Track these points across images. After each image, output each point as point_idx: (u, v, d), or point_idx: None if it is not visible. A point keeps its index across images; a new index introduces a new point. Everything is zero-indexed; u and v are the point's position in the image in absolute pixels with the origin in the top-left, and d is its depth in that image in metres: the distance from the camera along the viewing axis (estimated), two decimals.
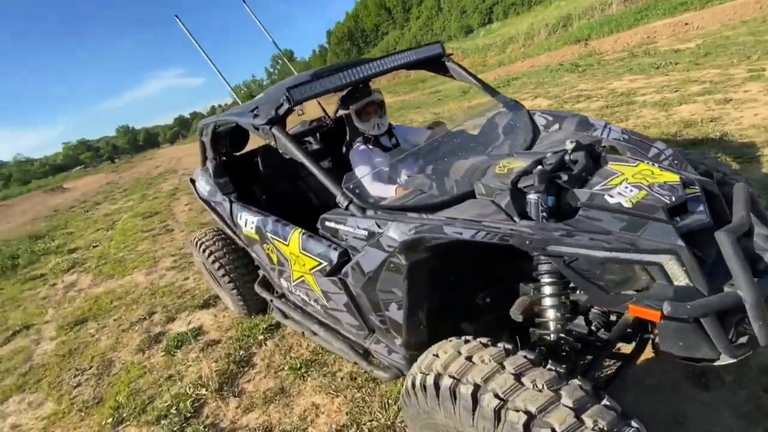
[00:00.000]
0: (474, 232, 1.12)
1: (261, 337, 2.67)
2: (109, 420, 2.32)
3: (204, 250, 2.72)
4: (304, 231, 1.69)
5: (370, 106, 2.42)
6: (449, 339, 1.26)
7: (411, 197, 1.54)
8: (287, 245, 1.76)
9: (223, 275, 2.67)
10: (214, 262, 2.66)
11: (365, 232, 1.33)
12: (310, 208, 2.56)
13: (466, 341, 1.22)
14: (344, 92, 2.51)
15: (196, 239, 2.83)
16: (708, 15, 11.45)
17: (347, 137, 2.69)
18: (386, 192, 2.34)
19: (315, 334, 1.98)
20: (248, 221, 2.03)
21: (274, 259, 1.98)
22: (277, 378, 2.28)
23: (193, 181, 2.72)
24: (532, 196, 1.27)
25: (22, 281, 5.87)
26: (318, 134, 2.77)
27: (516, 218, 1.20)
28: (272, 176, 2.44)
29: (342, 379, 2.10)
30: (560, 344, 1.26)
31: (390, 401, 1.88)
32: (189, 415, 2.17)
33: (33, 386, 3.04)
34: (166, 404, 2.30)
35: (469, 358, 1.12)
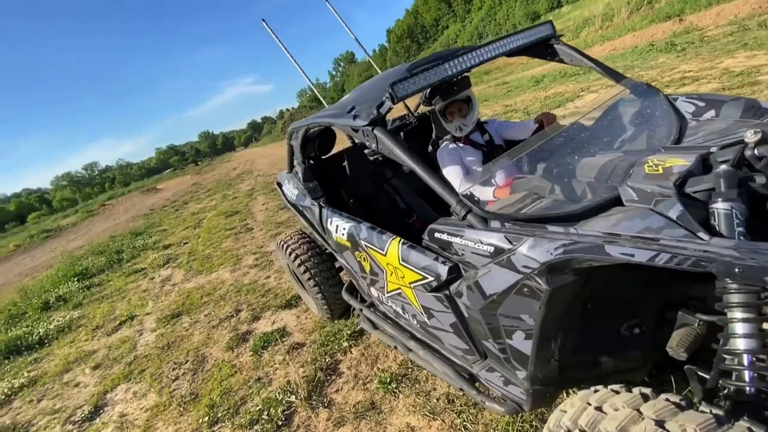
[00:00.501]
0: (652, 254, 0.87)
1: (345, 344, 2.60)
2: (206, 419, 2.40)
3: (290, 253, 2.71)
4: (404, 241, 1.54)
5: (453, 105, 2.21)
6: (575, 391, 1.06)
7: (530, 204, 1.31)
8: (384, 255, 1.62)
9: (309, 279, 2.63)
10: (300, 265, 2.64)
11: (490, 248, 1.14)
12: (395, 212, 2.42)
13: (596, 390, 1.06)
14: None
15: (282, 242, 2.84)
16: None
17: (433, 135, 2.51)
18: (482, 195, 2.12)
19: (410, 350, 1.83)
20: (339, 227, 1.94)
21: (367, 268, 1.86)
22: (366, 391, 2.18)
23: (279, 185, 2.72)
24: (720, 206, 0.98)
25: (126, 274, 6.54)
26: (402, 133, 2.63)
27: (703, 235, 0.93)
28: (358, 179, 2.34)
29: (438, 400, 1.93)
30: (760, 398, 0.96)
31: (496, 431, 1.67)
32: (281, 423, 2.14)
33: (137, 376, 3.29)
34: (258, 408, 2.31)
35: (599, 408, 0.98)
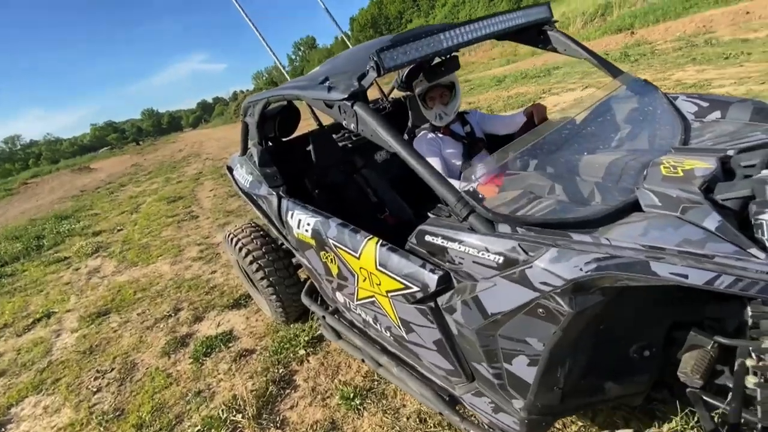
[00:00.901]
0: (710, 275, 0.70)
1: (302, 352, 2.32)
2: None
3: (240, 248, 2.37)
4: (382, 242, 1.29)
5: (435, 90, 2.00)
6: (573, 420, 0.87)
7: (528, 205, 1.12)
8: (357, 258, 1.37)
9: (262, 278, 2.31)
10: (251, 262, 2.31)
11: (498, 258, 0.92)
12: (365, 206, 2.17)
13: None
14: (408, 68, 2.09)
15: (231, 234, 2.48)
16: None
17: (409, 123, 2.28)
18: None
19: (380, 365, 1.59)
20: (302, 222, 1.65)
21: (334, 271, 1.59)
22: (325, 408, 1.92)
23: (230, 169, 2.35)
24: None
25: (45, 263, 5.72)
26: None
27: (756, 252, 0.77)
28: (324, 167, 2.04)
29: (408, 419, 1.72)
30: None
31: None
32: None
33: (50, 387, 2.78)
34: (197, 429, 1.98)
35: None
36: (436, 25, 1.57)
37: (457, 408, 1.36)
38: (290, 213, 1.73)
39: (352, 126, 1.20)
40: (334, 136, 2.39)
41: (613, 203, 1.07)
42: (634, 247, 0.81)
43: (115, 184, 13.54)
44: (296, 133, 2.27)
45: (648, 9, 17.30)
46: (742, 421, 0.92)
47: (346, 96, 1.17)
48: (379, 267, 1.27)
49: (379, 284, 1.32)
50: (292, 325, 2.59)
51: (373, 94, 2.93)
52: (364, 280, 1.41)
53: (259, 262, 2.30)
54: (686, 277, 0.71)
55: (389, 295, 1.30)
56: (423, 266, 1.14)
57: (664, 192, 1.03)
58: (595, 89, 6.67)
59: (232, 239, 2.45)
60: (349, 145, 2.32)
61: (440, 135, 2.10)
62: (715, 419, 1.07)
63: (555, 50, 1.80)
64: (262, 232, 2.41)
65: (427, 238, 1.09)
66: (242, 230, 2.47)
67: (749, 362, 0.94)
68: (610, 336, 1.04)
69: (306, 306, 2.07)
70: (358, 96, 1.17)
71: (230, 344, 2.69)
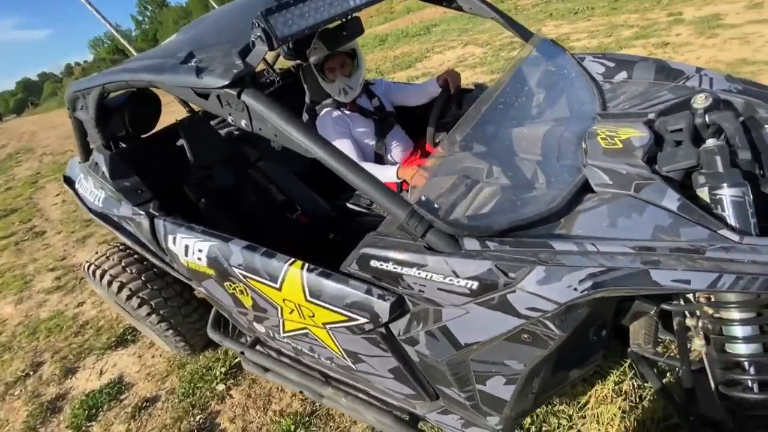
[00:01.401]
0: (711, 277, 0.62)
1: (221, 387, 1.95)
2: None
3: (109, 282, 1.82)
4: (310, 266, 1.01)
5: (333, 59, 1.69)
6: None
7: (468, 193, 0.97)
8: (278, 290, 1.07)
9: (149, 313, 1.83)
10: (130, 297, 1.80)
11: (471, 283, 0.74)
12: (270, 206, 1.80)
13: None
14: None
15: (92, 266, 1.90)
16: None
17: (307, 98, 1.93)
18: (383, 177, 1.71)
19: (323, 397, 1.36)
20: (192, 248, 1.26)
21: (247, 303, 1.27)
22: None
23: (69, 181, 1.73)
24: (728, 192, 0.79)
25: None
26: None
27: (728, 233, 0.72)
28: (206, 166, 1.58)
29: None
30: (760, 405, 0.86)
31: None
32: None
33: None
34: None
35: None
36: None
37: (420, 425, 1.23)
38: (171, 237, 1.30)
39: (243, 123, 0.86)
40: (212, 123, 1.91)
41: (562, 185, 0.96)
42: (624, 251, 0.70)
43: None
44: (159, 125, 1.72)
45: None
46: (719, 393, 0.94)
47: (227, 81, 0.82)
48: (310, 299, 1.01)
49: (313, 316, 1.06)
50: (201, 355, 2.17)
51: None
52: (291, 312, 1.13)
53: (140, 295, 1.80)
54: (689, 282, 0.63)
55: (328, 327, 1.05)
56: (369, 292, 0.91)
57: (612, 168, 0.95)
58: (442, 54, 6.95)
59: (94, 271, 1.87)
60: (236, 133, 1.87)
61: (347, 112, 1.82)
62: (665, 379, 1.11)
63: (460, 8, 1.62)
64: (135, 255, 1.88)
65: (374, 263, 0.85)
66: (106, 257, 1.90)
67: (689, 322, 0.96)
68: (580, 329, 0.97)
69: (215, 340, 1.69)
70: (245, 80, 0.82)
71: (123, 396, 2.16)
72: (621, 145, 1.01)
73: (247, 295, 1.22)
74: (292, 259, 1.04)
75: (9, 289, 3.78)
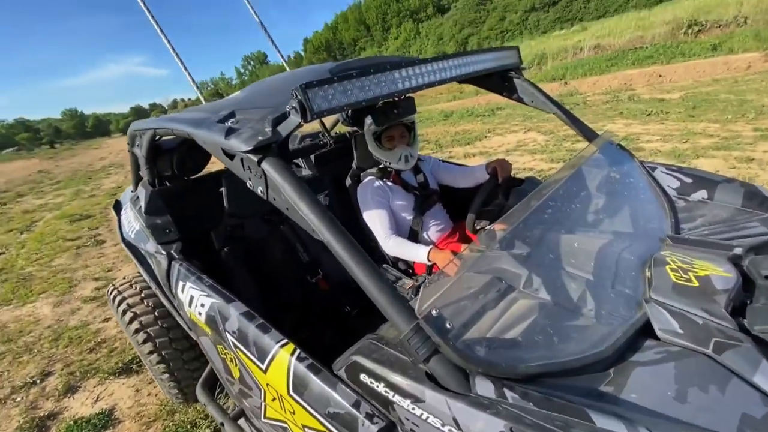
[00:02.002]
0: None
1: None
2: None
3: (124, 311, 1.81)
4: (300, 354, 0.89)
5: (395, 129, 1.69)
6: None
7: (495, 304, 0.81)
8: (263, 372, 0.95)
9: (151, 351, 1.77)
10: (138, 330, 1.76)
11: None
12: (292, 266, 1.74)
13: None
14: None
15: (114, 290, 1.92)
16: (681, 69, 11.95)
17: (354, 164, 1.93)
18: (413, 255, 1.59)
19: None
20: (195, 300, 1.20)
21: (235, 374, 1.15)
22: None
23: (118, 208, 1.81)
24: None
25: None
26: (312, 157, 1.98)
27: None
28: (240, 215, 1.59)
29: None
30: None
31: None
32: None
33: None
34: None
35: None
36: (389, 57, 1.26)
37: None
38: (181, 284, 1.26)
39: (260, 191, 0.82)
40: None
41: (617, 321, 0.78)
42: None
43: (11, 193, 11.58)
44: (208, 168, 1.80)
45: (577, 63, 19.22)
46: None
47: (250, 147, 0.79)
48: (292, 393, 0.87)
49: (293, 413, 0.91)
50: (192, 407, 2.03)
51: (311, 126, 2.56)
52: (273, 400, 0.99)
53: (148, 330, 1.76)
54: None
55: (306, 431, 0.89)
56: (357, 406, 0.76)
57: (685, 313, 0.76)
58: (502, 136, 6.96)
59: (115, 297, 1.88)
60: None
61: (389, 183, 1.78)
62: None
63: (520, 100, 1.57)
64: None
65: (364, 378, 0.71)
66: (130, 285, 1.92)
67: None
68: None
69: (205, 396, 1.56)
70: (270, 149, 0.79)
71: (106, 431, 2.06)
72: (697, 283, 0.82)
73: (236, 365, 1.11)
74: (285, 341, 0.92)
75: (54, 290, 4.01)
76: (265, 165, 0.78)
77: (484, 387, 0.60)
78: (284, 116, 0.82)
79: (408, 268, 1.82)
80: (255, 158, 0.79)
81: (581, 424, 0.53)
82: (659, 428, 0.52)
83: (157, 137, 1.29)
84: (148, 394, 2.28)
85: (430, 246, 1.57)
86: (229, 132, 0.85)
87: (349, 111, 1.86)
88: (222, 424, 1.35)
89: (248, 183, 0.85)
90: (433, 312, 0.65)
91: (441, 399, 0.61)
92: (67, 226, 6.45)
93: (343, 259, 0.70)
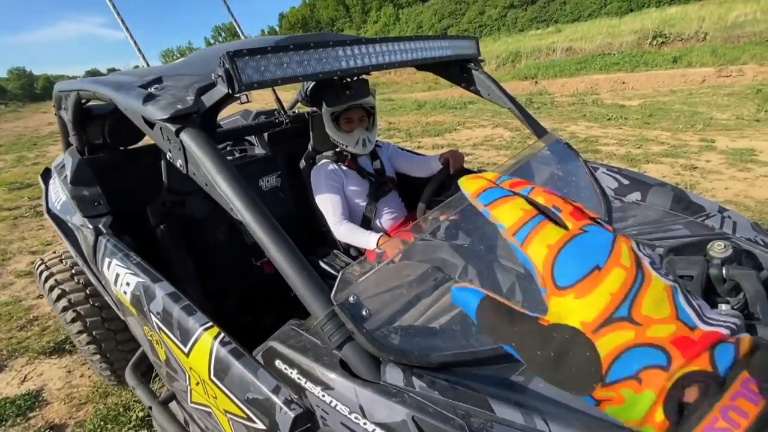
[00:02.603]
0: None
1: None
2: None
3: (51, 287, 1.69)
4: (224, 338, 0.85)
5: (354, 111, 1.65)
6: None
7: (428, 303, 0.82)
8: (186, 355, 0.91)
9: (80, 331, 1.67)
10: (66, 309, 1.66)
11: (377, 431, 0.56)
12: (236, 248, 1.68)
13: None
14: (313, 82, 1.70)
15: (42, 264, 1.79)
16: (643, 78, 12.53)
17: (310, 146, 1.88)
18: (363, 242, 1.58)
19: None
20: (121, 279, 1.12)
21: (161, 356, 1.10)
22: None
23: (47, 177, 1.67)
24: None
25: None
26: (266, 135, 1.90)
27: None
28: (180, 191, 1.49)
29: None
30: None
31: None
32: None
33: None
34: None
35: None
36: (339, 35, 1.21)
37: None
38: (107, 261, 1.18)
39: (179, 163, 0.76)
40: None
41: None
42: None
43: None
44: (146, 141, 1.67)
45: (549, 63, 19.72)
46: None
47: (167, 115, 0.73)
48: (213, 378, 0.83)
49: (215, 398, 0.88)
50: (128, 389, 1.94)
51: (267, 102, 2.47)
52: (197, 384, 0.95)
53: (77, 309, 1.65)
54: None
55: (228, 416, 0.86)
56: (276, 392, 0.73)
57: None
58: (471, 130, 7.11)
59: (42, 272, 1.75)
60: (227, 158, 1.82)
61: (344, 168, 1.74)
62: None
63: (477, 93, 1.58)
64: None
65: (279, 364, 0.69)
66: (60, 260, 1.79)
67: None
68: None
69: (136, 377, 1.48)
70: (189, 119, 0.73)
71: (31, 414, 1.94)
72: None
73: (161, 347, 1.05)
74: (209, 324, 0.88)
75: None
76: (183, 136, 0.73)
77: (393, 375, 0.60)
78: (211, 85, 0.76)
79: (359, 255, 1.80)
80: (173, 128, 0.73)
81: (481, 413, 0.54)
82: (555, 418, 0.53)
83: (83, 101, 1.18)
84: (81, 376, 2.16)
85: (381, 233, 1.56)
86: (148, 98, 0.78)
87: (308, 90, 1.80)
88: (150, 408, 1.30)
89: (168, 155, 0.79)
90: (351, 298, 0.63)
91: (350, 386, 0.60)
92: (5, 195, 5.95)
93: (261, 240, 0.67)
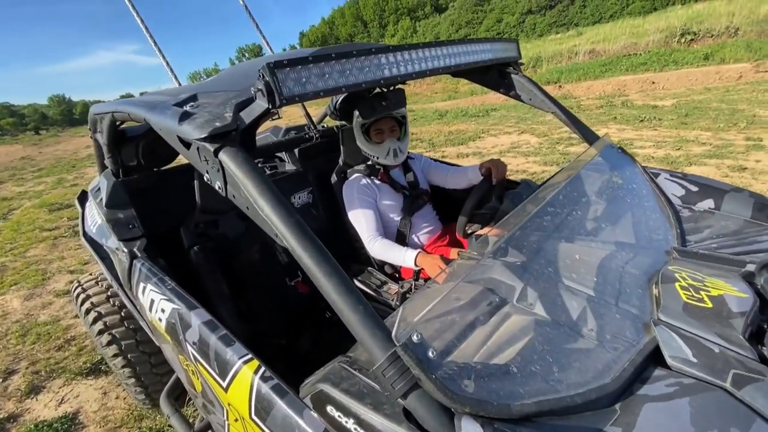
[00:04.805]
0: None
1: None
2: None
3: (87, 310, 1.68)
4: (265, 372, 0.78)
5: (384, 121, 1.59)
6: None
7: (484, 321, 0.72)
8: (224, 390, 0.84)
9: (116, 354, 1.65)
10: (102, 332, 1.64)
11: None
12: (269, 268, 1.63)
13: None
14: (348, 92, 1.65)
15: (79, 287, 1.79)
16: (673, 77, 12.04)
17: (341, 160, 1.82)
18: (400, 259, 1.49)
19: None
20: (156, 305, 1.08)
21: (197, 387, 1.04)
22: None
23: (83, 200, 1.68)
24: None
25: None
26: (296, 151, 1.86)
27: None
28: (214, 211, 1.45)
29: None
30: None
31: None
32: None
33: None
34: None
35: None
36: (375, 44, 1.15)
37: None
38: (142, 286, 1.14)
39: (217, 185, 0.71)
40: None
41: (622, 345, 0.69)
42: None
43: None
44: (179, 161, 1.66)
45: (572, 67, 19.31)
46: None
47: (204, 135, 0.67)
48: (254, 417, 0.76)
49: None
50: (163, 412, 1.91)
51: (295, 118, 2.44)
52: (236, 421, 0.88)
53: (113, 332, 1.64)
54: None
55: None
56: None
57: (698, 339, 0.67)
58: (496, 137, 6.91)
59: (78, 294, 1.75)
60: None
61: (377, 182, 1.67)
62: None
63: (518, 98, 1.48)
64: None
65: (331, 410, 0.61)
66: (96, 282, 1.79)
67: None
68: None
69: (170, 405, 1.44)
70: (228, 138, 0.68)
71: None
72: (711, 304, 0.74)
73: (197, 378, 1.00)
74: (248, 356, 0.82)
75: (26, 282, 3.83)
76: (222, 156, 0.67)
77: (470, 430, 0.51)
78: (250, 101, 0.71)
79: (394, 272, 1.72)
80: (211, 147, 0.68)
81: None
82: None
83: (119, 123, 1.17)
84: (116, 398, 2.15)
85: (418, 250, 1.47)
86: (184, 117, 0.74)
87: (337, 103, 1.76)
88: None
89: (205, 176, 0.74)
90: (414, 337, 0.55)
91: None
92: (46, 216, 6.23)
93: (310, 270, 0.60)
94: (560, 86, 14.11)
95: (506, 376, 0.59)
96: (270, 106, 0.67)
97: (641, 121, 7.04)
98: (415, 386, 0.53)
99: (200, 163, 0.74)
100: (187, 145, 0.75)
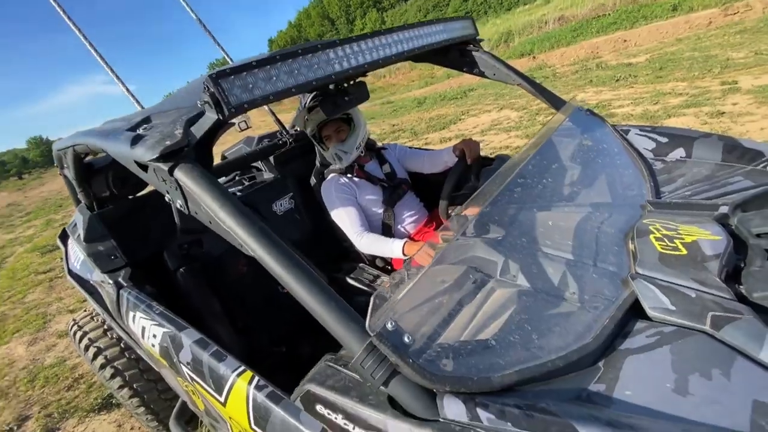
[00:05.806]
0: None
1: None
2: None
3: (86, 347, 1.67)
4: (260, 382, 0.78)
5: (328, 126, 1.58)
6: None
7: (471, 296, 0.73)
8: (223, 405, 0.84)
9: (121, 386, 1.64)
10: (104, 366, 1.63)
11: None
12: (259, 280, 1.62)
13: None
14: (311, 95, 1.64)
15: (75, 325, 1.78)
16: (644, 32, 12.06)
17: (317, 162, 1.82)
18: (388, 251, 1.50)
19: None
20: (147, 331, 1.08)
21: (200, 406, 1.04)
22: None
23: (65, 238, 1.66)
24: None
25: None
26: (272, 158, 1.85)
27: None
28: (195, 231, 1.44)
29: None
30: None
31: None
32: None
33: None
34: None
35: None
36: (325, 40, 1.14)
37: None
38: (131, 314, 1.14)
39: (178, 204, 0.70)
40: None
41: (601, 303, 0.70)
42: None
43: None
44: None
45: (544, 36, 19.26)
46: None
47: (157, 155, 0.67)
48: (254, 427, 0.77)
49: None
50: None
51: (266, 124, 2.42)
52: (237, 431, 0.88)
53: (115, 365, 1.63)
54: None
55: None
56: None
57: (675, 287, 0.68)
58: (477, 117, 6.91)
59: (75, 332, 1.74)
60: (238, 194, 1.77)
61: (354, 178, 1.67)
62: None
63: (482, 74, 1.48)
64: None
65: (320, 409, 0.61)
66: (91, 317, 1.78)
67: None
68: None
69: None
70: (181, 155, 0.67)
71: None
72: (685, 251, 0.74)
73: (198, 397, 1.00)
74: (241, 368, 0.82)
75: (28, 328, 3.80)
76: (177, 173, 0.67)
77: (454, 409, 0.51)
78: (200, 115, 0.70)
79: (386, 265, 1.72)
80: (165, 167, 0.67)
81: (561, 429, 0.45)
82: (629, 386, 0.44)
83: (82, 155, 1.15)
84: (131, 429, 2.16)
85: (405, 239, 1.47)
86: (135, 140, 0.73)
87: (307, 102, 1.74)
88: None
89: (166, 197, 0.73)
90: (389, 325, 0.55)
91: (405, 427, 0.52)
92: (39, 259, 6.17)
93: (278, 274, 0.60)
94: (534, 57, 14.10)
95: (486, 350, 0.60)
96: (220, 117, 0.66)
97: (617, 80, 7.06)
98: (394, 373, 0.54)
99: (159, 184, 0.73)
100: (144, 168, 0.75)
